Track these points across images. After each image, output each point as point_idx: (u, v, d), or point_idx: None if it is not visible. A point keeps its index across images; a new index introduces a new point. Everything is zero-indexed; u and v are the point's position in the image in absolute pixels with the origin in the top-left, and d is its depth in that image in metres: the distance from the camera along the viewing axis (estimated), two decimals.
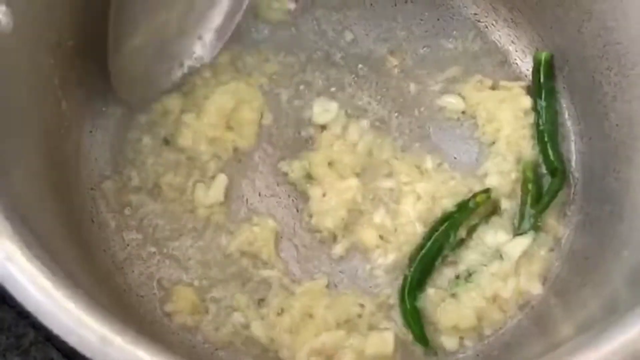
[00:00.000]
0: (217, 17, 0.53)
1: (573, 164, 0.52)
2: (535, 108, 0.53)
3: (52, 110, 0.46)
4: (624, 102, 0.46)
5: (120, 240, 0.49)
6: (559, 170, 0.50)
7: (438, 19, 0.57)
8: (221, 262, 0.49)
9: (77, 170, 0.49)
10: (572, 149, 0.52)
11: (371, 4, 0.56)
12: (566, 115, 0.53)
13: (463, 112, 0.54)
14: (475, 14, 0.57)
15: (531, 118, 0.53)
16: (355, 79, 0.54)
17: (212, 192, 0.50)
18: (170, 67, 0.53)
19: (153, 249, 0.49)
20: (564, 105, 0.53)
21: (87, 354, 0.26)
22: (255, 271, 0.49)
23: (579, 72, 0.52)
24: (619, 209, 0.44)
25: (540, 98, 0.53)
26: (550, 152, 0.51)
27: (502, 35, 0.56)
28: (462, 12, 0.57)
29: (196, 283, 0.48)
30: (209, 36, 0.53)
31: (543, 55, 0.53)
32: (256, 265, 0.49)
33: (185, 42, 0.53)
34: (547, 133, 0.52)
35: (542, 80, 0.53)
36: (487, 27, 0.57)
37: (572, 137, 0.53)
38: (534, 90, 0.53)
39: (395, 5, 0.56)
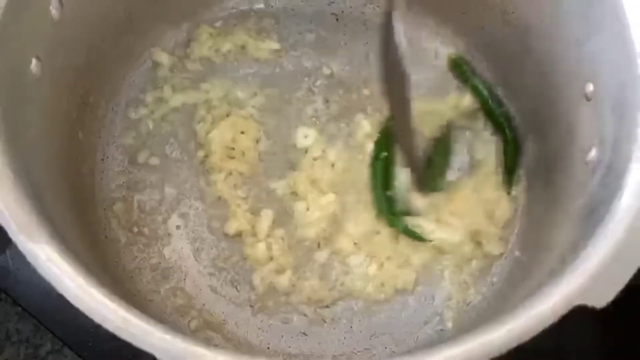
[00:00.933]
0: None
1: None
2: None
3: (71, 140, 0.54)
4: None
5: (130, 253, 0.57)
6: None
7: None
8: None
9: (92, 192, 0.57)
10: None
11: (345, 43, 0.65)
12: None
13: None
14: (436, 48, 0.65)
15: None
16: (333, 107, 0.62)
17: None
18: None
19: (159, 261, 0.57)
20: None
21: (113, 330, 0.34)
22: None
23: (525, 99, 0.60)
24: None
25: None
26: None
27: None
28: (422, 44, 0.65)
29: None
30: None
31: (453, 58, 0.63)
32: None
33: None
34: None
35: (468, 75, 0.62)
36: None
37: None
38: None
39: (367, 43, 0.65)
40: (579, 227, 0.43)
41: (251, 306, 0.56)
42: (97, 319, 0.35)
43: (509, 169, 0.59)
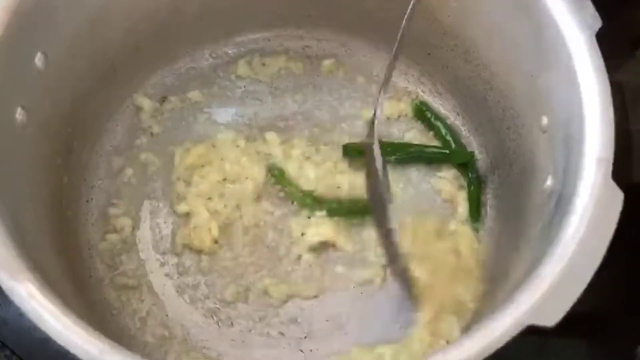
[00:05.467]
0: None
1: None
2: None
3: (56, 185, 0.56)
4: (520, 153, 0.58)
5: (114, 292, 0.59)
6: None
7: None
8: None
9: (76, 233, 0.59)
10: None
11: (318, 83, 0.68)
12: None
13: None
14: (406, 87, 0.68)
15: None
16: (309, 136, 0.65)
17: None
18: None
19: (142, 298, 0.59)
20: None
21: None
22: None
23: (489, 133, 0.63)
24: None
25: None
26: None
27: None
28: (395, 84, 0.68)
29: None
30: None
31: (416, 104, 0.67)
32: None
33: None
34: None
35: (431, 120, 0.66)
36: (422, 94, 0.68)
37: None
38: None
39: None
40: (535, 251, 0.45)
41: (232, 340, 0.58)
42: (82, 356, 0.37)
43: (475, 208, 0.62)
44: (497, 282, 0.55)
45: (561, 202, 0.44)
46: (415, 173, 0.64)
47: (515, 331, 0.36)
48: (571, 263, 0.39)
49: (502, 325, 0.36)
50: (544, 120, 0.52)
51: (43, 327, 0.37)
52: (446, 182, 0.63)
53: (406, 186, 0.63)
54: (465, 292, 0.56)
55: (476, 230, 0.61)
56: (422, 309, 0.55)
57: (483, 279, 0.58)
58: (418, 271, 0.56)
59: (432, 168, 0.64)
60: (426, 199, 0.63)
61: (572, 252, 0.39)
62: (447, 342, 0.54)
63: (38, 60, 0.51)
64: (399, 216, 0.59)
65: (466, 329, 0.54)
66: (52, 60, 0.52)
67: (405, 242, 0.58)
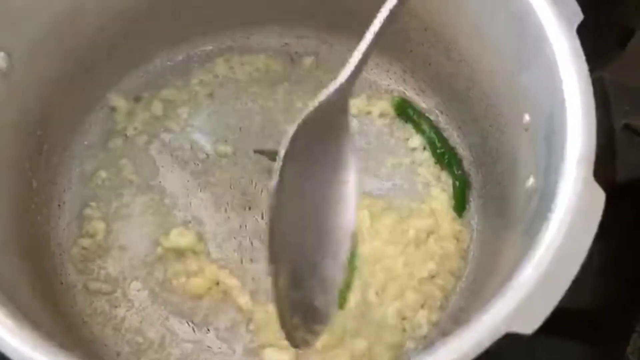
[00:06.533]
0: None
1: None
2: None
3: (24, 189, 0.54)
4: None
5: (86, 298, 0.57)
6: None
7: None
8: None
9: (47, 238, 0.57)
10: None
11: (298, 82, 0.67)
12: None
13: None
14: (388, 84, 0.67)
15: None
16: None
17: None
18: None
19: (116, 304, 0.57)
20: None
21: None
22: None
23: (472, 131, 0.62)
24: None
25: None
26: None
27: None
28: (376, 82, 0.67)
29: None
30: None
31: (397, 100, 0.65)
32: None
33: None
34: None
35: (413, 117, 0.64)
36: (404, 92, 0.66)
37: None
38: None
39: None
40: (517, 254, 0.44)
41: (209, 347, 0.56)
42: None
43: (459, 204, 0.60)
44: (481, 283, 0.54)
45: (542, 202, 0.43)
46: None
47: (491, 339, 0.35)
48: (550, 268, 0.37)
49: (478, 333, 0.35)
50: (526, 117, 0.50)
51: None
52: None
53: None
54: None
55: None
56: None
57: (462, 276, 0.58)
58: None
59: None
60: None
61: (551, 256, 0.38)
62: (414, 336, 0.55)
63: (1, 60, 0.49)
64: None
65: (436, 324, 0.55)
66: (17, 60, 0.50)
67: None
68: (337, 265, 0.42)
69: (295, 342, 0.44)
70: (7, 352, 0.35)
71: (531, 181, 0.48)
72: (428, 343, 0.55)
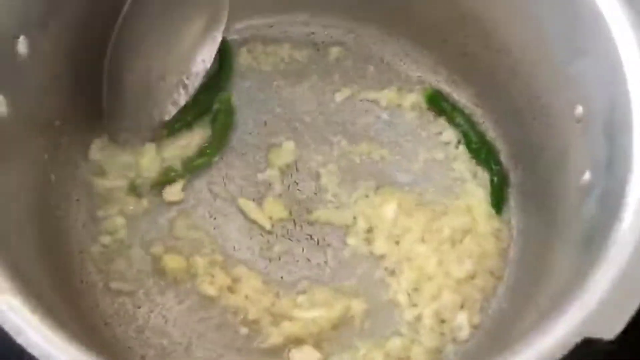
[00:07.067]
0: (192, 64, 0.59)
1: None
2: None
3: (43, 182, 0.52)
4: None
5: (108, 298, 0.54)
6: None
7: None
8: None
9: (67, 235, 0.54)
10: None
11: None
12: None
13: None
14: (420, 76, 0.64)
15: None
16: None
17: None
18: (153, 110, 0.58)
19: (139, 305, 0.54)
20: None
21: None
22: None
23: (511, 124, 0.59)
24: None
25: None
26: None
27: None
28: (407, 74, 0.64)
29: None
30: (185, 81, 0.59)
31: (430, 92, 0.62)
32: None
33: (166, 86, 0.58)
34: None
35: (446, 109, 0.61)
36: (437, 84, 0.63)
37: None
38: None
39: None
40: (578, 253, 0.41)
41: (238, 349, 0.53)
42: None
43: (497, 201, 0.57)
44: (526, 287, 0.51)
45: (607, 200, 0.40)
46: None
47: (570, 343, 0.32)
48: (629, 267, 0.34)
49: (557, 336, 0.32)
50: (579, 109, 0.48)
51: (26, 345, 0.32)
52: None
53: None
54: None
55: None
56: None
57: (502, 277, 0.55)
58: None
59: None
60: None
61: (628, 253, 0.35)
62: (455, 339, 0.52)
63: (21, 45, 0.46)
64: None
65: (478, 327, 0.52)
66: (37, 46, 0.47)
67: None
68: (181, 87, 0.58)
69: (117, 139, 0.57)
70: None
71: (587, 176, 0.45)
72: (470, 348, 0.52)
